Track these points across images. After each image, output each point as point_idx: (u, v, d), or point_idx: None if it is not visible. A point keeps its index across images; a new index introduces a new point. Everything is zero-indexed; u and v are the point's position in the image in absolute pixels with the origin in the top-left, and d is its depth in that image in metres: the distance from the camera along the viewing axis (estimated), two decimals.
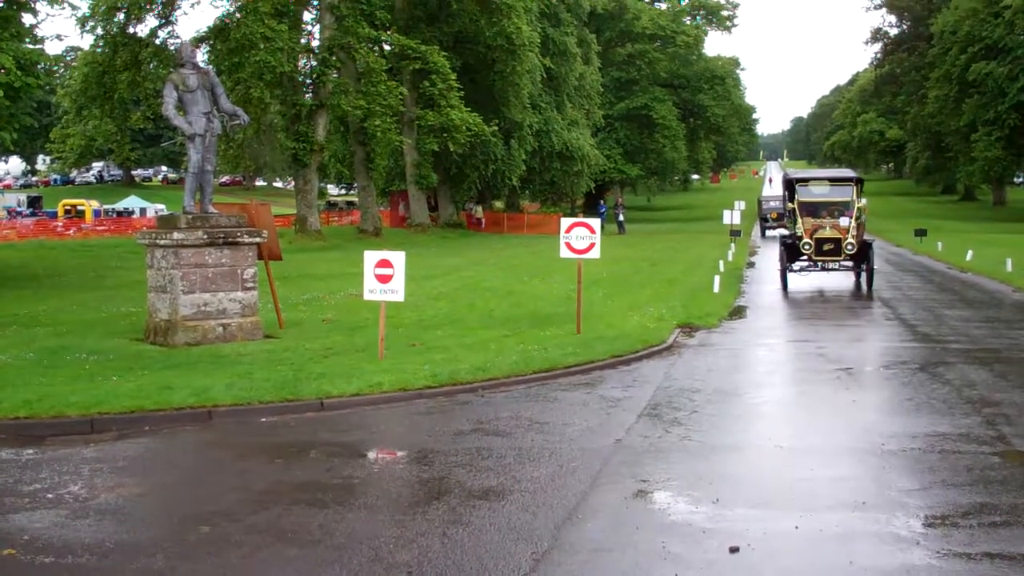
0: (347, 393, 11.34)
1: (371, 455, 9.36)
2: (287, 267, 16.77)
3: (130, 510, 7.48)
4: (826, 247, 22.74)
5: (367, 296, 13.70)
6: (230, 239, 15.21)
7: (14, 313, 18.36)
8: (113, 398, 10.82)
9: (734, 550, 6.30)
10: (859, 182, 24.66)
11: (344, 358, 13.54)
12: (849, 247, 22.57)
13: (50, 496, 7.73)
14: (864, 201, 23.57)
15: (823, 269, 23.33)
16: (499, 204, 69.01)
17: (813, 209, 24.21)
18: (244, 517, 7.10)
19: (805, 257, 23.09)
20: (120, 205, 75.46)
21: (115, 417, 10.35)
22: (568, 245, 15.78)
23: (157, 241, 15.15)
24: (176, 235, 14.89)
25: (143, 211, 71.93)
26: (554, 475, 8.19)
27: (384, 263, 13.56)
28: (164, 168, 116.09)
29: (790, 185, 25.11)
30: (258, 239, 15.59)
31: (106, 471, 8.61)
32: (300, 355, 13.78)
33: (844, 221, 23.06)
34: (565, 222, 16.19)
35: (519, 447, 9.16)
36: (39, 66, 26.45)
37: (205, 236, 14.97)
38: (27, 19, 26.90)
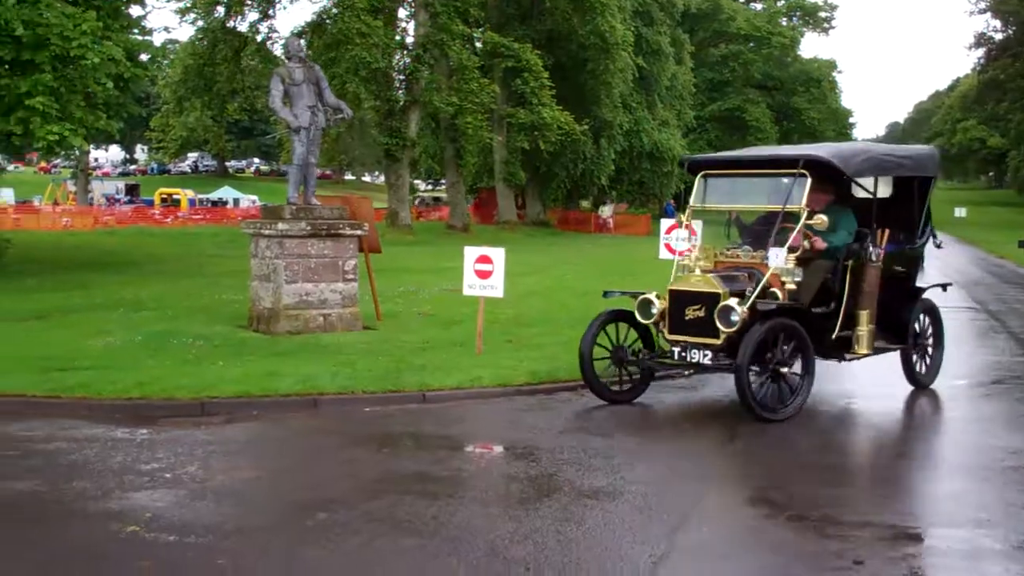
0: (448, 386, 11.43)
1: (477, 449, 9.43)
2: (381, 260, 16.92)
3: (246, 493, 7.64)
4: (690, 314, 10.47)
5: (467, 291, 13.78)
6: (332, 231, 15.40)
7: (120, 297, 18.80)
8: (221, 383, 11.05)
9: (858, 562, 6.21)
10: (829, 172, 10.84)
11: (442, 352, 13.63)
12: (727, 320, 10.08)
13: (168, 476, 7.92)
14: (822, 218, 10.35)
15: (681, 365, 10.88)
16: (586, 204, 68.92)
17: (742, 226, 11.91)
18: (358, 505, 7.19)
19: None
20: (214, 195, 76.89)
21: (224, 401, 10.58)
22: (668, 247, 15.71)
23: (262, 231, 15.41)
24: (281, 225, 15.13)
25: (236, 201, 73.24)
26: (664, 477, 8.16)
27: (484, 259, 13.63)
28: (256, 160, 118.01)
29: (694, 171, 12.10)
30: (359, 232, 15.76)
31: (220, 453, 8.80)
32: (399, 347, 13.90)
33: (774, 257, 10.44)
34: (665, 223, 16.14)
35: (625, 448, 9.15)
36: (144, 56, 27.01)
37: (308, 227, 15.17)
38: (135, 11, 27.50)
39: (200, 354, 13.00)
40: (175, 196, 71.05)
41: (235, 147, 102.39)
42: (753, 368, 9.97)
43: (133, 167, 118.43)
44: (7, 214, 47.69)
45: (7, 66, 21.26)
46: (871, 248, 10.97)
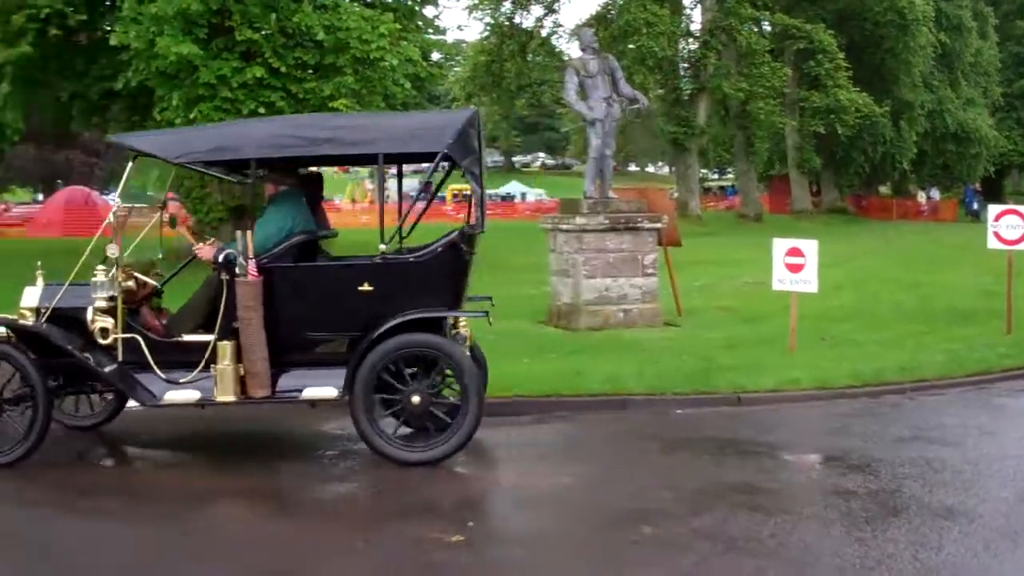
0: (763, 388, 10.75)
1: (804, 458, 8.73)
2: (674, 253, 16.35)
3: (565, 501, 7.30)
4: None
5: (776, 286, 13.02)
6: (631, 224, 14.99)
7: None
8: (528, 381, 10.80)
9: None
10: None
11: (750, 350, 12.92)
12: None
13: (487, 480, 7.76)
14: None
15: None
16: (884, 189, 65.63)
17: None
18: (685, 519, 6.68)
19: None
20: (502, 190, 78.47)
21: (532, 400, 10.33)
22: (996, 235, 14.32)
23: (560, 226, 15.20)
24: (578, 220, 14.87)
25: (523, 196, 74.46)
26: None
27: (795, 251, 12.84)
28: (542, 155, 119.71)
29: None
30: (658, 225, 15.28)
31: (532, 457, 8.56)
32: (703, 344, 13.30)
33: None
34: (994, 209, 14.75)
35: (973, 460, 8.19)
36: (436, 55, 27.48)
37: (606, 221, 14.83)
38: (428, 11, 28.06)
39: (504, 351, 12.83)
40: (465, 192, 72.77)
41: (521, 142, 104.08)
42: None
43: (425, 165, 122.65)
44: None
45: (311, 71, 22.09)
46: None
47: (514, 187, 79.06)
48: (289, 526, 6.73)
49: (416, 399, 7.98)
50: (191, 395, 8.16)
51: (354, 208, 56.36)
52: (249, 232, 8.09)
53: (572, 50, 47.25)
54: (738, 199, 55.63)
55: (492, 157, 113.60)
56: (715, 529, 6.46)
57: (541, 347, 13.09)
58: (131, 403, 8.88)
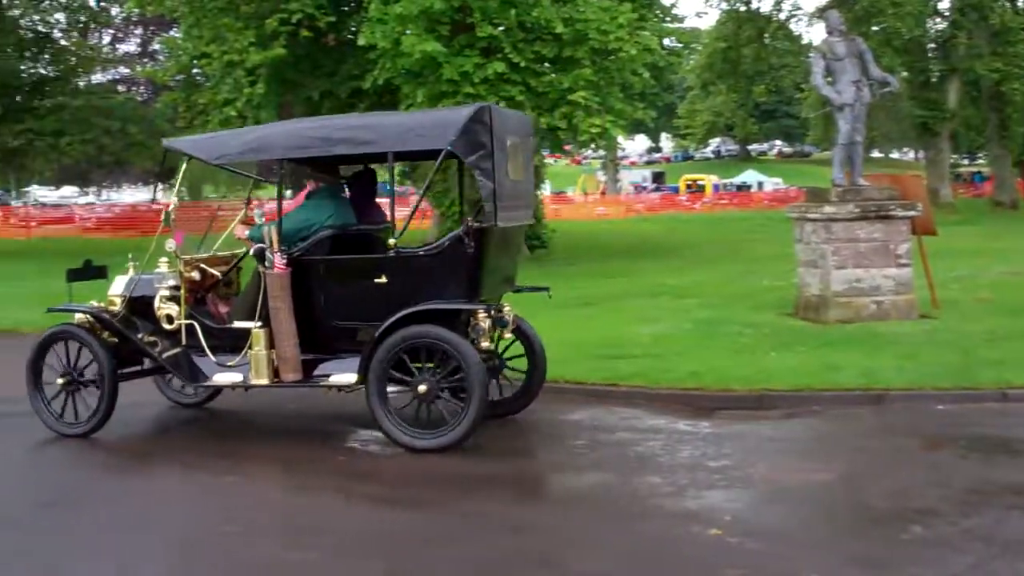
0: None
1: None
2: (928, 243, 15.61)
3: (824, 498, 7.10)
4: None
5: None
6: (882, 212, 14.41)
7: (661, 283, 19.04)
8: (777, 374, 10.57)
9: None
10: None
11: (1016, 343, 12.16)
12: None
13: (739, 474, 7.58)
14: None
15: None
16: None
17: None
18: (955, 519, 6.38)
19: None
20: (737, 179, 77.25)
21: (782, 394, 10.09)
22: None
23: (807, 215, 14.78)
24: (827, 208, 14.41)
25: (760, 185, 73.04)
26: None
27: None
28: (778, 142, 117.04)
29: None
30: (912, 212, 14.63)
31: (787, 451, 8.36)
32: (964, 338, 12.64)
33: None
34: None
35: None
36: (669, 43, 27.20)
37: (856, 209, 14.31)
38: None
39: (751, 343, 12.65)
40: (699, 182, 72.22)
41: (757, 130, 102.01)
42: None
43: (658, 155, 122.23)
44: (545, 205, 50.86)
45: (549, 63, 22.34)
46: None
47: (750, 176, 77.66)
48: (545, 514, 6.83)
49: (423, 388, 8.23)
50: (235, 377, 8.88)
51: (586, 200, 56.72)
52: (273, 226, 8.64)
53: (812, 34, 45.94)
54: (988, 186, 52.76)
55: (727, 146, 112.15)
56: (989, 531, 6.14)
57: (789, 340, 12.76)
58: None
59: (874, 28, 38.65)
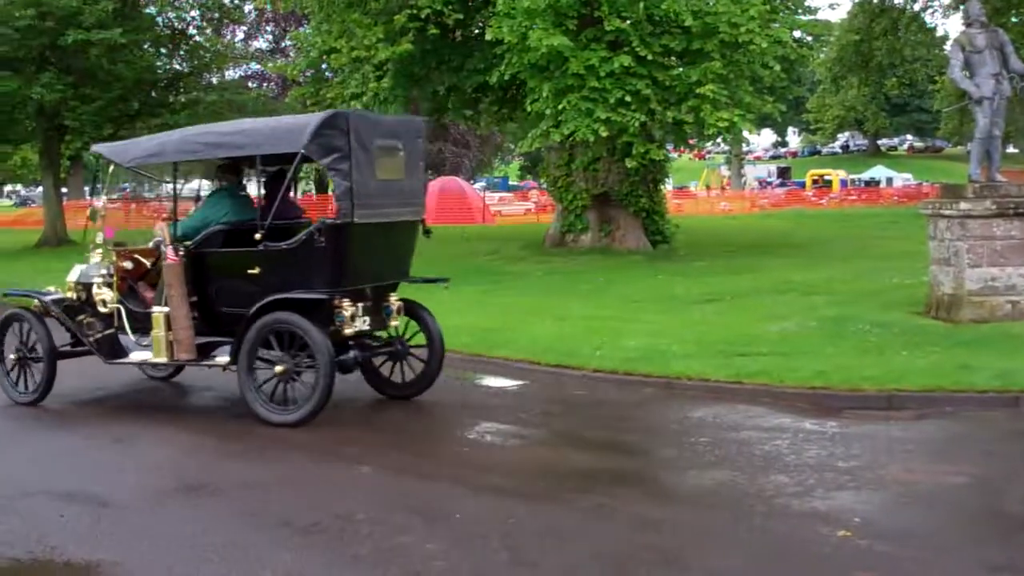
0: None
1: None
2: None
3: (957, 501, 6.94)
4: None
5: None
6: (1021, 210, 13.96)
7: (788, 280, 18.74)
8: (908, 374, 10.32)
9: None
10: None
11: None
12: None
13: (869, 475, 7.44)
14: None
15: None
16: None
17: None
18: None
19: None
20: (866, 175, 75.52)
21: (912, 395, 9.85)
22: None
23: (941, 211, 14.39)
24: (962, 205, 14.01)
25: (889, 181, 71.26)
26: None
27: None
28: (909, 137, 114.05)
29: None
30: None
31: (918, 452, 8.18)
32: None
33: None
34: None
35: None
36: (799, 35, 26.61)
37: (994, 206, 13.88)
38: None
39: (879, 342, 12.39)
40: (826, 177, 70.82)
41: (887, 124, 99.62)
42: None
43: (783, 150, 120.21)
44: (668, 200, 50.49)
45: (677, 57, 22.15)
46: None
47: (879, 171, 75.84)
48: (675, 511, 6.82)
49: (279, 368, 9.20)
50: (146, 355, 10.07)
51: (709, 195, 56.12)
52: (165, 224, 9.93)
53: (948, 25, 44.58)
54: None
55: (856, 140, 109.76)
56: None
57: (919, 340, 12.46)
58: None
59: (1013, 19, 37.30)
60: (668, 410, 10.00)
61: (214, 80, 38.87)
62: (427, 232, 10.62)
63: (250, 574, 5.76)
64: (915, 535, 6.18)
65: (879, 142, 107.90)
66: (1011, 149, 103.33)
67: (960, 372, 10.34)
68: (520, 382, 11.43)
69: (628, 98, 20.66)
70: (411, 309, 10.39)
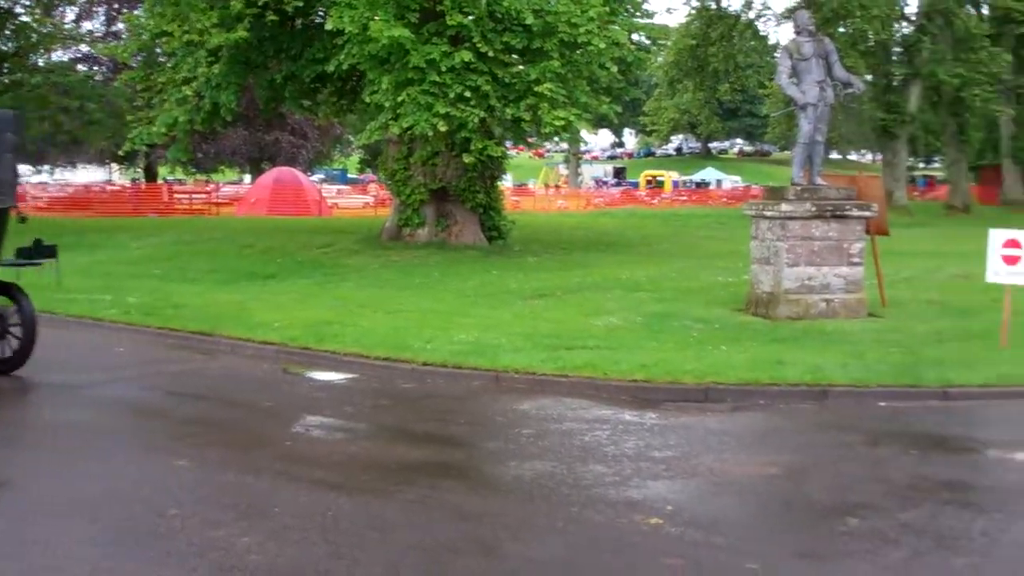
0: (973, 383, 10.34)
1: (1017, 456, 8.38)
2: (880, 243, 15.84)
3: (767, 490, 7.23)
4: None
5: (990, 278, 12.49)
6: (838, 212, 14.60)
7: (618, 276, 19.13)
8: (726, 369, 10.70)
9: None
10: None
11: (960, 344, 12.46)
12: None
13: (684, 466, 7.68)
14: None
15: None
16: None
17: None
18: (893, 513, 6.52)
19: None
20: (697, 177, 77.68)
21: (729, 388, 10.21)
22: None
23: (763, 212, 14.94)
24: (784, 207, 14.57)
25: (719, 183, 73.46)
26: None
27: (1012, 243, 12.31)
28: (739, 141, 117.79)
29: None
30: (867, 213, 14.84)
31: (733, 445, 8.46)
32: (910, 337, 12.88)
33: None
34: None
35: None
36: (637, 37, 27.16)
37: (813, 208, 14.49)
38: None
39: (701, 338, 12.79)
40: (659, 178, 72.54)
41: (719, 128, 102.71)
42: None
43: (620, 150, 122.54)
44: (506, 197, 50.84)
45: (517, 54, 22.30)
46: None
47: (709, 173, 78.10)
48: (495, 502, 6.89)
49: None
50: None
51: (547, 193, 56.78)
52: None
53: (780, 34, 46.22)
54: (929, 189, 53.45)
55: (689, 143, 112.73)
56: (924, 525, 6.29)
57: (738, 335, 12.94)
58: None
59: (841, 30, 38.95)
60: (495, 403, 10.09)
61: (40, 62, 37.27)
62: (22, 219, 10.94)
63: (54, 571, 5.56)
64: (725, 523, 6.40)
65: (711, 145, 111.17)
66: (835, 155, 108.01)
67: (774, 367, 10.76)
68: (349, 375, 11.34)
69: (468, 94, 20.66)
70: (6, 289, 10.90)
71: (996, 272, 12.42)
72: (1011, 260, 12.27)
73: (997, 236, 12.45)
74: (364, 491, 7.01)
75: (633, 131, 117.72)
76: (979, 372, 10.63)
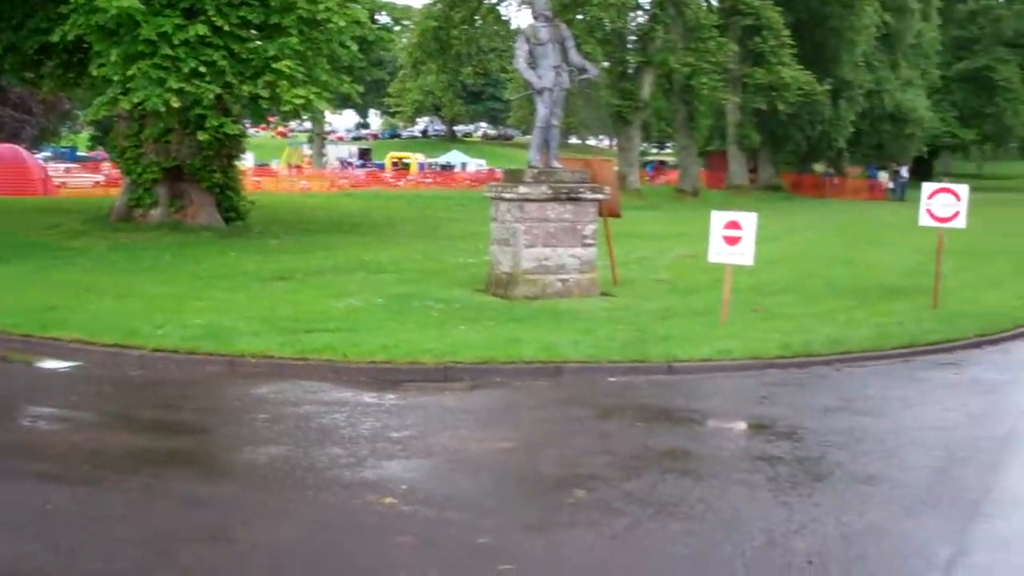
0: (696, 358, 10.90)
1: (733, 425, 8.93)
2: (613, 225, 16.49)
3: (501, 466, 7.38)
4: None
5: (712, 258, 13.18)
6: (573, 195, 15.04)
7: (360, 258, 19.05)
8: (465, 348, 10.85)
9: None
10: None
11: (685, 321, 13.12)
12: None
13: (420, 445, 7.73)
14: None
15: None
16: (819, 167, 66.48)
17: None
18: (618, 483, 6.79)
19: None
20: (442, 159, 78.25)
21: (467, 367, 10.36)
22: (929, 212, 14.63)
23: (502, 195, 15.20)
24: (521, 189, 14.88)
25: (464, 165, 74.28)
26: (944, 464, 7.44)
27: (733, 224, 13.02)
28: (484, 124, 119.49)
29: None
30: (600, 196, 15.35)
31: (470, 422, 8.59)
32: (639, 315, 13.46)
33: None
34: (927, 187, 15.03)
35: (895, 430, 8.44)
36: (383, 18, 27.17)
37: (549, 191, 14.86)
38: None
39: (441, 318, 12.91)
40: (405, 160, 72.61)
41: (464, 111, 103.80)
42: None
43: (365, 131, 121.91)
44: (247, 177, 49.62)
45: (255, 30, 21.77)
46: None
47: (454, 156, 78.86)
48: (226, 488, 6.73)
49: None
50: None
51: (290, 173, 55.85)
52: None
53: (521, 18, 47.13)
54: (658, 174, 56.08)
55: (434, 126, 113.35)
56: (646, 493, 6.57)
57: (478, 315, 13.13)
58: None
59: (579, 17, 40.02)
60: (230, 388, 9.85)
61: None
62: None
63: None
64: (458, 499, 6.49)
65: (455, 128, 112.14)
66: (573, 140, 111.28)
67: (511, 345, 10.98)
68: (73, 363, 10.78)
69: (203, 69, 20.00)
70: None
71: (718, 252, 13.10)
72: (732, 240, 12.97)
73: (719, 218, 13.13)
74: (86, 482, 6.70)
75: (378, 112, 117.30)
76: (701, 347, 11.20)
